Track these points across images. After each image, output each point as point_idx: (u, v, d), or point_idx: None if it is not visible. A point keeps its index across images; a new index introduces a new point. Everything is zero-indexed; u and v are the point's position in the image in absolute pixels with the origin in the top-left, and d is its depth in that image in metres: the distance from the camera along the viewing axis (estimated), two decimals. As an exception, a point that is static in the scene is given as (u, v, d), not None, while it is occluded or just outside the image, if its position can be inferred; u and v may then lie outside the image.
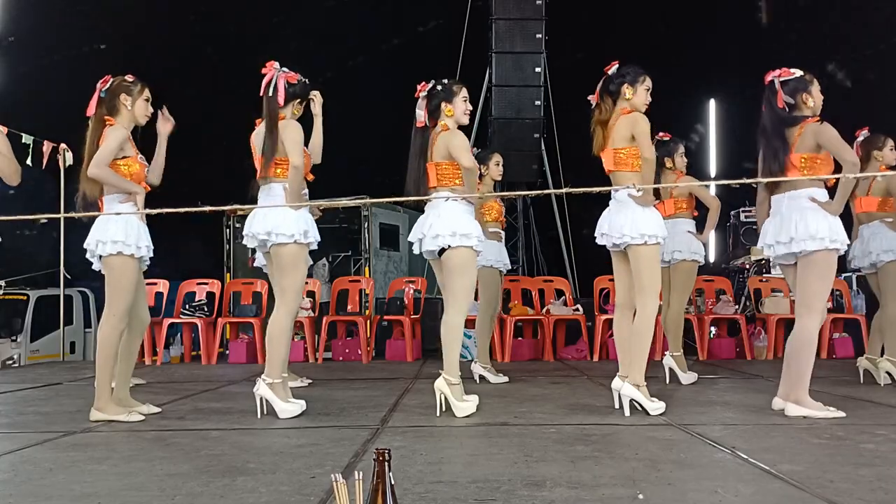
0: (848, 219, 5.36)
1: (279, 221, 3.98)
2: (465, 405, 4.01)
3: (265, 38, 11.86)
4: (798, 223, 3.88)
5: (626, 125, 4.00)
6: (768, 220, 4.09)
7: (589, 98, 4.19)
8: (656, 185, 4.19)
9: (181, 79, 10.86)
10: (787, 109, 3.97)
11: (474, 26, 10.84)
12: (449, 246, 4.02)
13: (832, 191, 3.96)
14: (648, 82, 4.09)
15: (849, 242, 3.94)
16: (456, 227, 4.01)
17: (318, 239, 4.15)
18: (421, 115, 4.15)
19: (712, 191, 12.53)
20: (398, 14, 12.04)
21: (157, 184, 4.23)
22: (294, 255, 4.03)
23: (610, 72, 4.12)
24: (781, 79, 3.99)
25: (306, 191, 4.18)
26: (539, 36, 10.18)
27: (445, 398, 4.02)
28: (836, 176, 3.97)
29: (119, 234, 3.94)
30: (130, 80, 4.10)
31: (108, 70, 4.14)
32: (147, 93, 4.12)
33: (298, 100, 4.15)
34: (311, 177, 4.22)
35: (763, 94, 4.06)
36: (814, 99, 3.99)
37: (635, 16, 11.52)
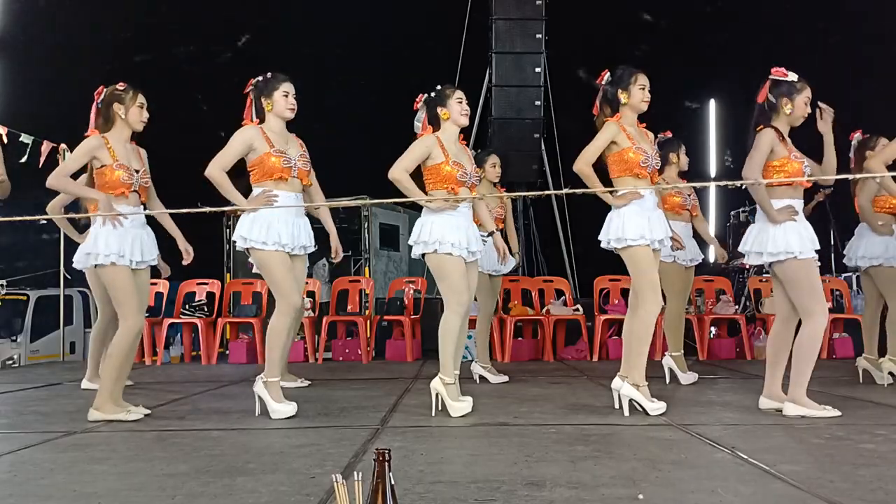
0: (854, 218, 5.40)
1: (245, 226, 4.00)
2: (460, 405, 4.01)
3: (264, 39, 11.87)
4: (752, 234, 3.99)
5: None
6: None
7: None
8: (656, 187, 4.18)
9: (182, 79, 10.86)
10: (766, 107, 3.97)
11: (474, 26, 10.83)
12: (422, 255, 4.10)
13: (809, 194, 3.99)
14: (642, 80, 4.07)
15: (815, 247, 3.89)
16: (418, 234, 4.09)
17: (289, 242, 4.03)
18: (418, 126, 4.21)
19: (712, 191, 12.57)
20: (398, 14, 12.03)
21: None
22: (261, 260, 4.03)
23: (603, 81, 4.14)
24: (774, 77, 3.99)
25: (298, 195, 4.14)
26: (539, 36, 10.17)
27: (441, 398, 4.04)
28: (839, 176, 3.98)
29: (88, 246, 4.04)
30: (122, 88, 4.13)
31: (107, 69, 4.15)
32: (140, 99, 4.14)
33: (262, 96, 4.09)
34: (307, 181, 4.20)
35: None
36: (794, 107, 3.93)
37: (635, 15, 11.52)
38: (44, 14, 11.29)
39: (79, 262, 4.16)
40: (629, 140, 4.02)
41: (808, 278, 3.87)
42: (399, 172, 4.03)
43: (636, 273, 4.01)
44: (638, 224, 3.97)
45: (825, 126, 4.02)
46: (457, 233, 4.04)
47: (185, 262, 4.40)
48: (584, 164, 4.01)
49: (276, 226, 3.98)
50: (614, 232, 4.00)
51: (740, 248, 4.12)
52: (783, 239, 3.84)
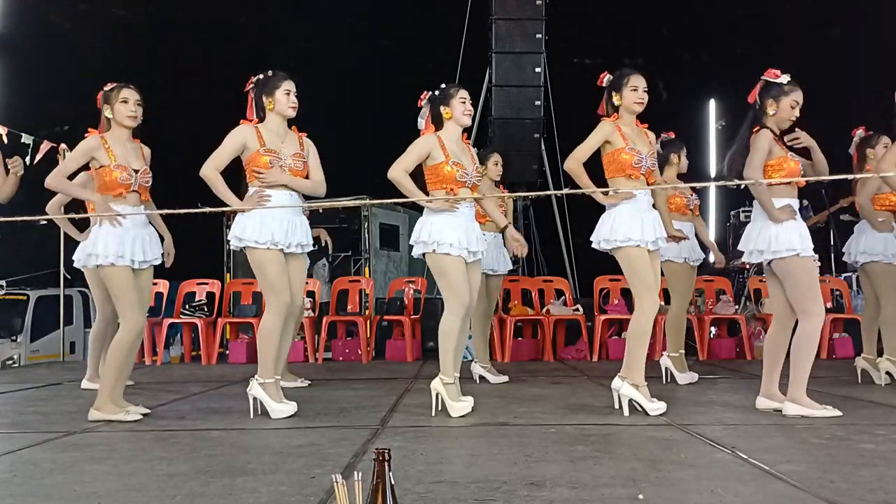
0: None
1: (239, 226, 4.01)
2: (460, 405, 4.01)
3: (263, 38, 11.86)
4: (754, 233, 3.98)
5: None
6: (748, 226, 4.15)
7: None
8: (654, 187, 4.18)
9: (181, 79, 10.85)
10: (756, 108, 4.01)
11: (474, 26, 10.83)
12: (422, 254, 4.11)
13: (804, 193, 3.98)
14: (634, 81, 4.07)
15: (812, 245, 3.91)
16: (418, 234, 4.10)
17: (282, 240, 4.02)
18: (421, 123, 4.21)
19: (712, 191, 12.57)
20: (398, 14, 12.03)
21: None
22: (256, 259, 4.02)
23: (604, 83, 4.17)
24: (765, 78, 4.00)
25: (293, 194, 4.13)
26: (539, 36, 10.16)
27: (441, 398, 4.04)
28: (838, 177, 3.98)
29: (88, 247, 4.05)
30: (108, 87, 4.15)
31: (108, 70, 4.16)
32: (125, 94, 4.09)
33: (264, 94, 4.09)
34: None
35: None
36: (778, 109, 3.95)
37: (635, 15, 11.52)
38: (44, 14, 11.29)
39: (79, 261, 4.18)
40: (623, 140, 4.03)
41: (807, 276, 3.89)
42: (398, 173, 4.04)
43: (629, 274, 4.04)
44: (628, 225, 3.99)
45: (808, 139, 4.05)
46: (456, 232, 4.03)
47: (166, 264, 4.52)
48: (574, 162, 4.05)
49: (269, 224, 3.98)
50: (604, 233, 4.04)
51: (741, 248, 4.13)
52: (786, 237, 3.86)
